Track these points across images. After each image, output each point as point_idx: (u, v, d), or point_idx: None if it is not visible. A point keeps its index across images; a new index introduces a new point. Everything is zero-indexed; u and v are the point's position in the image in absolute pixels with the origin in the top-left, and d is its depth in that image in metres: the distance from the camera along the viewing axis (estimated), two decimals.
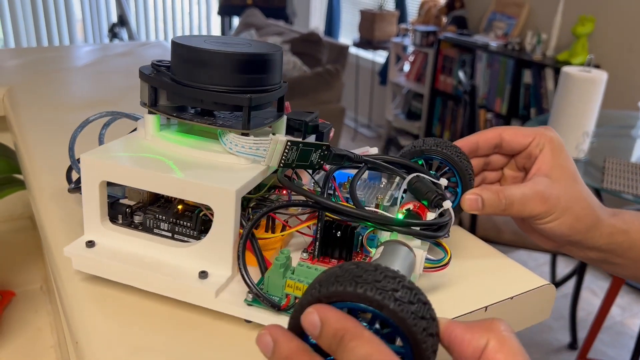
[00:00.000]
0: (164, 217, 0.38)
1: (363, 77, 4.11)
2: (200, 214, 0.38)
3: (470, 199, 0.42)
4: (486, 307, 0.37)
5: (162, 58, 0.41)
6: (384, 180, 0.43)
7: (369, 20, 3.69)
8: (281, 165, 0.37)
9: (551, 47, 2.71)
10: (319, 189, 0.40)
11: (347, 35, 4.41)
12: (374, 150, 0.45)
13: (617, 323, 2.18)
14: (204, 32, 4.65)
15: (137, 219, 0.39)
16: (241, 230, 0.35)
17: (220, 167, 0.36)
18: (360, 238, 0.38)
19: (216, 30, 4.66)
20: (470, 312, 0.36)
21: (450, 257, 0.36)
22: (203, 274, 0.35)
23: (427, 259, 0.35)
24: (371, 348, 0.24)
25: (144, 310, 0.36)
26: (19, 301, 0.79)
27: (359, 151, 0.44)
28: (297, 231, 0.39)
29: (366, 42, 3.75)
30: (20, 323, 0.75)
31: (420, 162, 0.45)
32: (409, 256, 0.33)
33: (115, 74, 0.94)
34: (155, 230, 0.39)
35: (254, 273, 0.34)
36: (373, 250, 0.38)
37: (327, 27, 4.34)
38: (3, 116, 0.77)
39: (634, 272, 0.49)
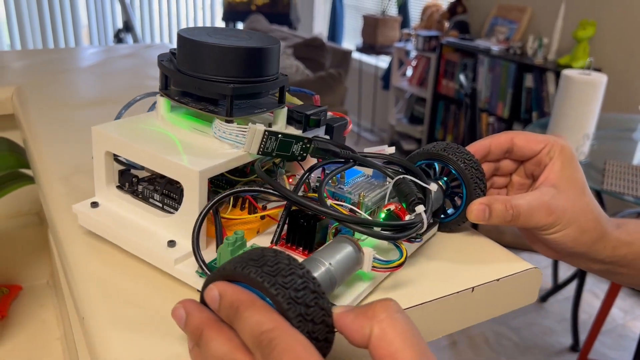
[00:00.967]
0: (157, 189, 0.42)
1: (366, 81, 4.14)
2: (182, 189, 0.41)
3: (478, 209, 0.41)
4: (473, 288, 0.38)
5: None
6: (389, 180, 0.44)
7: (371, 26, 3.72)
8: (260, 152, 0.39)
9: (552, 51, 2.73)
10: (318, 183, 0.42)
11: (350, 40, 4.44)
12: (391, 150, 0.45)
13: (619, 326, 2.18)
14: None
15: (140, 188, 0.43)
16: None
17: (203, 150, 0.39)
18: (330, 230, 0.39)
19: None
20: (457, 292, 0.38)
21: (404, 260, 0.36)
22: (171, 243, 0.38)
23: (377, 259, 0.35)
24: (262, 316, 0.26)
25: (134, 268, 0.40)
26: (26, 295, 0.80)
27: (375, 149, 0.45)
28: (269, 216, 0.42)
29: (369, 47, 3.77)
30: (27, 316, 0.77)
31: (435, 166, 0.45)
32: (350, 253, 0.34)
33: (119, 74, 0.96)
34: (150, 200, 0.42)
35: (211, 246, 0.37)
36: None
37: (330, 33, 4.37)
38: (12, 114, 0.79)
39: (637, 282, 0.49)
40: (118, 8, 4.15)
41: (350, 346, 0.27)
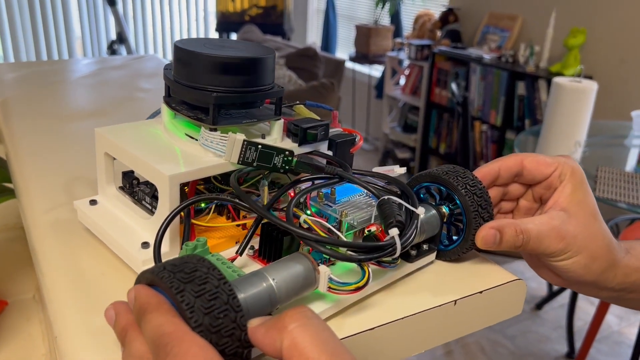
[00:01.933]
0: (148, 192, 0.43)
1: (360, 91, 4.15)
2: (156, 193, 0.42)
3: (488, 234, 0.39)
4: (455, 301, 0.38)
5: (156, 71, 0.44)
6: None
7: (364, 35, 3.73)
8: (240, 162, 0.38)
9: (544, 59, 2.74)
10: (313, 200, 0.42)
11: (344, 50, 4.46)
12: (401, 171, 0.43)
13: (614, 332, 2.18)
14: None
15: (137, 190, 0.44)
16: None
17: (187, 156, 0.40)
18: (299, 246, 0.38)
19: None
20: (439, 306, 0.37)
21: (365, 283, 0.34)
22: (145, 245, 0.39)
23: (333, 280, 0.34)
24: (164, 319, 0.26)
25: (113, 281, 0.40)
26: (12, 310, 0.79)
27: (384, 169, 0.44)
28: (243, 226, 0.42)
29: (362, 56, 3.79)
30: (12, 331, 0.76)
31: (442, 189, 0.43)
32: (299, 271, 0.33)
33: (110, 86, 0.96)
34: (143, 202, 0.43)
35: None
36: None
37: (323, 43, 4.39)
38: None
39: None
40: (112, 19, 4.15)
41: None
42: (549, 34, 2.69)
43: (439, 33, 3.36)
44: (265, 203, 0.40)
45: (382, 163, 3.77)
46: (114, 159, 0.44)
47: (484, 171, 0.44)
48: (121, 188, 0.45)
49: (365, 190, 0.43)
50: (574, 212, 0.41)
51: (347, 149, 0.46)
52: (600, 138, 1.95)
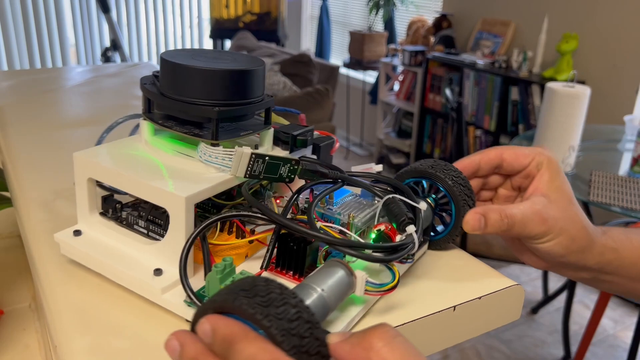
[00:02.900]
0: (142, 215, 0.41)
1: (354, 96, 4.16)
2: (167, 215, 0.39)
3: (474, 219, 0.41)
4: (454, 307, 0.38)
5: None
6: (377, 199, 0.43)
7: (358, 42, 3.75)
8: (247, 176, 0.38)
9: (537, 64, 2.76)
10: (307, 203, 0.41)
11: (338, 56, 4.47)
12: (378, 168, 0.45)
13: (610, 336, 2.18)
14: None
15: (123, 214, 0.42)
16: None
17: (189, 174, 0.38)
18: (319, 253, 0.38)
19: None
20: (439, 312, 0.37)
21: (396, 283, 0.36)
22: (158, 272, 0.37)
23: (370, 282, 0.35)
24: (256, 348, 0.26)
25: (117, 297, 0.39)
26: (8, 319, 0.79)
27: (362, 168, 0.45)
28: (257, 240, 0.40)
29: (356, 62, 3.80)
30: (8, 341, 0.76)
31: (423, 182, 0.45)
32: (342, 277, 0.33)
33: (105, 94, 0.96)
34: (135, 227, 0.41)
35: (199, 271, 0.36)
36: None
37: (317, 49, 4.40)
38: None
39: (623, 289, 0.49)
40: (106, 27, 4.15)
41: None
42: (542, 40, 2.71)
43: (432, 39, 3.38)
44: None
45: None
46: (98, 184, 0.42)
47: (465, 163, 0.46)
48: (102, 214, 0.42)
49: (353, 191, 0.44)
50: (553, 198, 0.44)
51: (328, 152, 0.47)
52: (594, 142, 1.96)
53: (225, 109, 0.38)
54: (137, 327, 0.36)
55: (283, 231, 0.38)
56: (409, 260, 0.39)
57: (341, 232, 0.38)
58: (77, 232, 0.41)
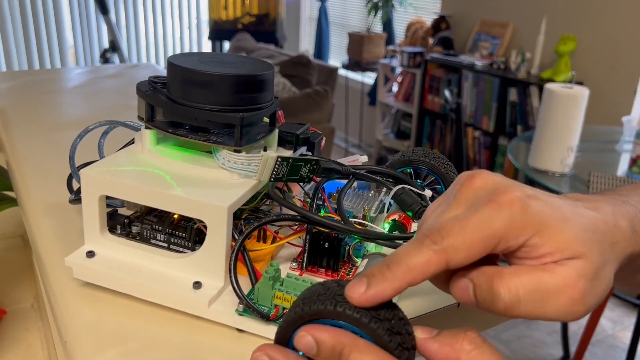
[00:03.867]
0: (160, 228, 0.39)
1: (353, 98, 4.16)
2: (195, 226, 0.39)
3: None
4: (458, 304, 0.38)
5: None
6: (372, 190, 0.44)
7: (357, 43, 3.75)
8: (272, 179, 0.38)
9: (535, 66, 2.77)
10: (308, 200, 0.42)
11: (336, 57, 4.48)
12: (364, 159, 0.46)
13: (609, 336, 2.19)
14: None
15: (134, 229, 0.40)
16: (233, 243, 0.37)
17: (214, 183, 0.38)
18: (347, 248, 0.39)
19: None
20: (443, 308, 0.38)
21: None
22: (197, 284, 0.36)
23: None
24: (371, 356, 0.25)
25: (138, 312, 0.37)
26: (10, 319, 0.79)
27: (348, 160, 0.46)
28: (288, 242, 0.41)
29: (355, 63, 3.81)
30: (11, 340, 0.76)
31: (409, 171, 0.46)
32: None
33: (105, 94, 0.96)
34: (152, 241, 0.40)
35: (245, 283, 0.36)
36: (359, 260, 0.39)
37: (316, 50, 4.41)
38: None
39: None
40: (104, 28, 4.16)
41: None
42: (540, 41, 2.72)
43: (431, 40, 3.39)
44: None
45: None
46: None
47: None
48: (110, 231, 0.41)
49: (349, 187, 0.45)
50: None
51: (319, 147, 0.48)
52: (592, 143, 1.97)
53: (247, 114, 0.38)
54: (181, 339, 0.35)
55: (314, 230, 0.39)
56: None
57: (360, 224, 0.39)
58: (90, 254, 0.39)
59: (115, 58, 3.69)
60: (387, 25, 3.93)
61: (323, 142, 0.49)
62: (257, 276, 0.37)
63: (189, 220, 0.40)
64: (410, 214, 0.40)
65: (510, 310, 0.29)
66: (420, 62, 3.37)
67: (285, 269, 0.39)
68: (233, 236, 0.37)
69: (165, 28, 4.53)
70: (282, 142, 0.46)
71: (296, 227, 0.41)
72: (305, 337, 0.26)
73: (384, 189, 0.44)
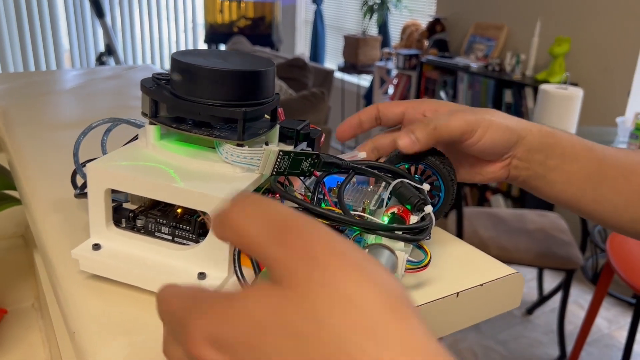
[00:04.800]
0: (164, 222, 0.40)
1: (349, 100, 4.18)
2: (199, 219, 0.40)
3: (405, 138, 0.43)
4: (457, 293, 0.39)
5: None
6: (370, 185, 0.45)
7: (353, 46, 3.77)
8: (274, 173, 0.39)
9: (530, 67, 2.79)
10: (309, 194, 0.43)
11: (332, 60, 4.49)
12: (362, 155, 0.47)
13: (605, 335, 2.20)
14: None
15: (139, 222, 0.41)
16: None
17: (217, 176, 0.39)
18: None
19: None
20: (443, 298, 0.38)
21: (430, 259, 0.38)
22: (201, 275, 0.37)
23: (408, 260, 0.37)
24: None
25: (144, 303, 0.38)
26: (11, 319, 0.79)
27: (347, 156, 0.47)
28: None
29: (351, 66, 3.82)
30: (12, 340, 0.76)
31: (406, 167, 0.47)
32: (390, 259, 0.35)
33: (103, 95, 0.97)
34: (157, 234, 0.41)
35: (249, 274, 0.37)
36: None
37: (312, 53, 4.42)
38: None
39: (568, 183, 0.49)
40: (100, 31, 4.16)
41: None
42: (534, 43, 2.74)
43: (426, 43, 3.41)
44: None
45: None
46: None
47: (349, 123, 0.50)
48: (115, 225, 0.41)
49: (348, 181, 0.46)
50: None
51: (319, 143, 0.49)
52: None
53: (250, 109, 0.39)
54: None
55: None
56: (428, 238, 0.40)
57: (360, 217, 0.40)
58: (97, 246, 0.40)
59: (111, 61, 3.69)
60: (383, 27, 3.95)
61: (322, 139, 0.50)
62: (260, 267, 0.37)
63: (192, 213, 0.41)
64: (409, 206, 0.41)
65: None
66: (415, 65, 3.38)
67: None
68: None
69: (161, 31, 4.54)
70: (283, 138, 0.46)
71: None
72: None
73: (383, 184, 0.45)
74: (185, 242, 0.40)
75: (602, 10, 2.51)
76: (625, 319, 2.30)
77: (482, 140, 0.45)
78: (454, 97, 3.08)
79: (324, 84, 3.49)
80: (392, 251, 0.36)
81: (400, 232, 0.37)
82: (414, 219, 0.40)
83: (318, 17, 4.34)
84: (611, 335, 2.21)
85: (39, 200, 0.52)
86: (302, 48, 4.83)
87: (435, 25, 3.35)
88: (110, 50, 3.64)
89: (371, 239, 0.39)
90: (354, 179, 0.47)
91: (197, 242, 0.39)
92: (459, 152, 0.48)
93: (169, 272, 0.38)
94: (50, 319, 0.63)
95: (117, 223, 0.41)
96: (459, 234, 1.92)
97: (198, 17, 4.65)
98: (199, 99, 0.39)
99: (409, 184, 0.42)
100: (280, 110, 0.47)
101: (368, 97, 3.96)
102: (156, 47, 4.56)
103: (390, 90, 3.81)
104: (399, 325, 0.21)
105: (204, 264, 0.37)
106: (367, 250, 0.36)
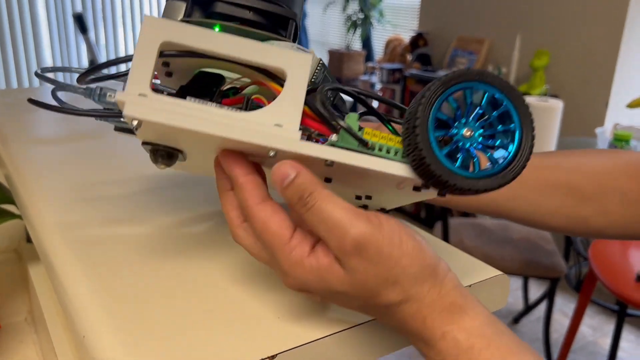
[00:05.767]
0: (212, 103, 0.34)
1: None
2: (252, 97, 0.37)
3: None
4: None
5: None
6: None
7: (337, 60, 3.81)
8: (310, 83, 0.38)
9: (511, 80, 2.85)
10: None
11: None
12: None
13: (589, 343, 2.24)
14: None
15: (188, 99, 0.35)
16: None
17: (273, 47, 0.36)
18: None
19: None
20: None
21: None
22: (278, 126, 0.34)
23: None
24: (331, 206, 0.32)
25: (153, 302, 0.39)
26: (4, 333, 0.80)
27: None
28: None
29: (335, 80, 3.86)
30: (6, 354, 0.76)
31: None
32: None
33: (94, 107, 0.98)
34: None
35: None
36: None
37: None
38: None
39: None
40: (83, 47, 4.15)
41: None
42: (515, 56, 2.80)
43: (409, 57, 3.46)
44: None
45: None
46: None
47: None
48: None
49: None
50: None
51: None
52: None
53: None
54: (206, 328, 0.38)
55: None
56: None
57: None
58: (143, 95, 0.32)
59: None
60: (366, 42, 4.01)
61: None
62: None
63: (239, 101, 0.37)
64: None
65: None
66: (399, 78, 3.43)
67: None
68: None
69: None
70: None
71: None
72: (284, 165, 0.32)
73: None
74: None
75: (580, 24, 2.58)
76: (609, 326, 2.33)
77: None
78: None
79: None
80: None
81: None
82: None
83: (302, 31, 4.39)
84: (595, 343, 2.24)
85: (41, 212, 0.53)
86: None
87: (417, 40, 3.41)
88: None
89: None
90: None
91: None
92: None
93: (243, 120, 0.33)
94: (48, 332, 0.64)
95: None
96: (445, 238, 1.94)
97: None
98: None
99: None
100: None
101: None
102: None
103: (375, 104, 3.85)
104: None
105: (279, 117, 0.34)
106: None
